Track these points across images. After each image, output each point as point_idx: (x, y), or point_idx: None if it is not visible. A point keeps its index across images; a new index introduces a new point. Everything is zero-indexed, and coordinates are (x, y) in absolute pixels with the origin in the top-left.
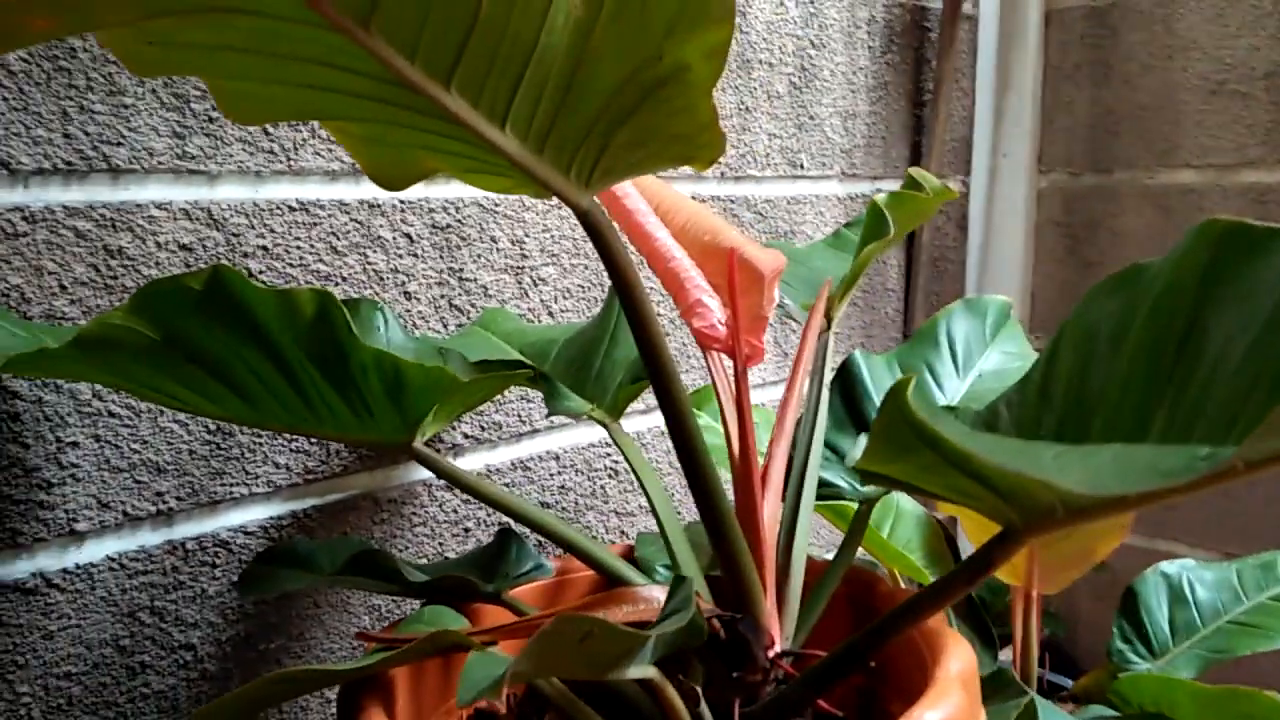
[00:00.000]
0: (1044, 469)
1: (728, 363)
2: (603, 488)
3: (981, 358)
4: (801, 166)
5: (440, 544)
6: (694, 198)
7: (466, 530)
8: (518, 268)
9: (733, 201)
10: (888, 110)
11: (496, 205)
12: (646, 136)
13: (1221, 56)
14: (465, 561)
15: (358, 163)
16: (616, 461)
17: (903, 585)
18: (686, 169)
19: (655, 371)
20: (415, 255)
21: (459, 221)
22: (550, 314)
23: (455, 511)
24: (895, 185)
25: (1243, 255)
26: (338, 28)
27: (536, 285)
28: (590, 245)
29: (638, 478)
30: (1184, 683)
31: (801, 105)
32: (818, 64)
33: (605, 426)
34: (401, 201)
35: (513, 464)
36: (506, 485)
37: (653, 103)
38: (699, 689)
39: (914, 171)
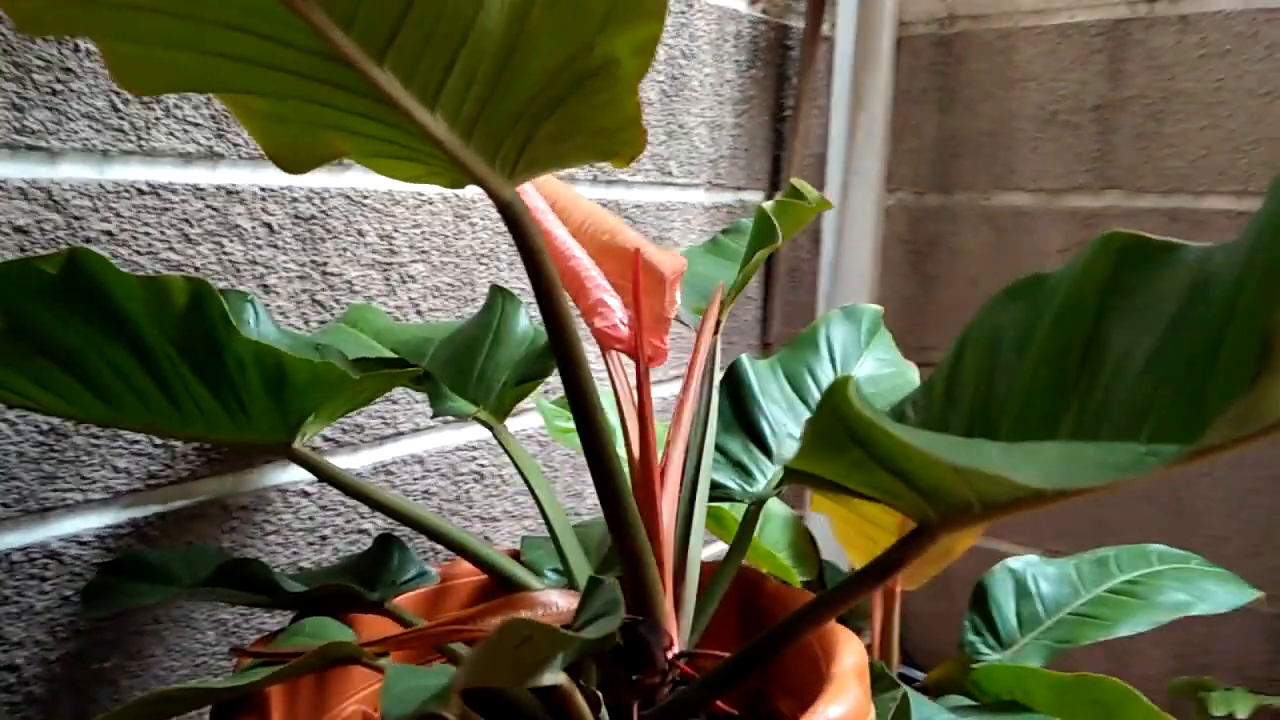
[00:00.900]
0: (994, 464)
1: (627, 363)
2: (468, 492)
3: (857, 363)
4: (671, 174)
5: (295, 552)
6: None
7: (323, 538)
8: (385, 263)
9: (604, 205)
10: (751, 123)
11: (364, 197)
12: (572, 129)
13: (1055, 88)
14: (343, 569)
15: (256, 140)
16: (483, 465)
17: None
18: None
19: (569, 369)
20: (276, 246)
21: (324, 213)
22: (418, 312)
23: (311, 518)
24: (757, 196)
25: (1140, 267)
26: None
27: (405, 282)
28: (462, 243)
29: (526, 480)
30: (1038, 671)
31: (671, 113)
32: (688, 74)
33: (490, 428)
34: (262, 189)
35: (374, 468)
36: None
37: (580, 94)
38: (599, 693)
39: (796, 182)
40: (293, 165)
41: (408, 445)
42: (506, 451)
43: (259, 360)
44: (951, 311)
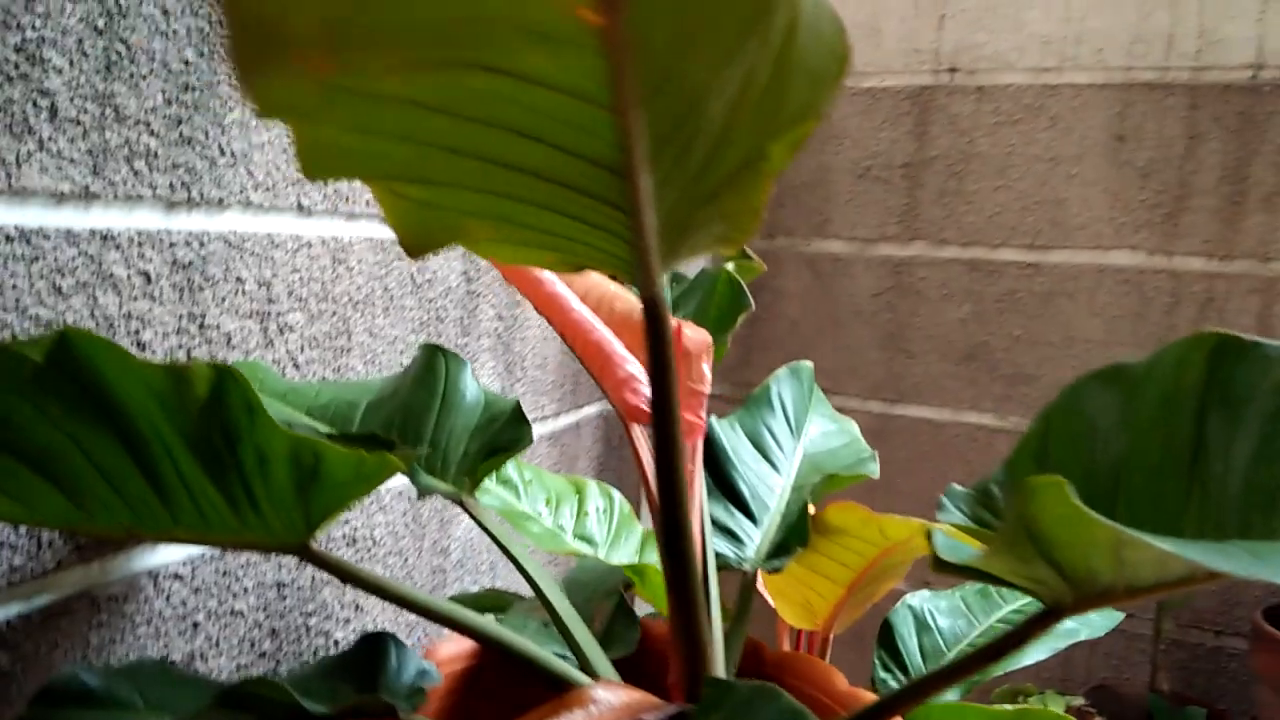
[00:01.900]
0: (1213, 560)
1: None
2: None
3: (807, 420)
4: None
5: (166, 644)
6: None
7: (195, 625)
8: (263, 313)
9: None
10: None
11: (244, 241)
12: (713, 218)
13: (868, 146)
14: (338, 671)
15: (389, 220)
16: (355, 529)
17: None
18: None
19: (668, 463)
20: (152, 297)
21: (202, 259)
22: (295, 365)
23: (184, 603)
24: None
25: (1232, 365)
26: (617, 109)
27: (282, 333)
28: (339, 289)
29: (503, 548)
30: (978, 708)
31: None
32: None
33: (459, 503)
34: (138, 233)
35: None
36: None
37: (734, 187)
38: None
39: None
40: (421, 249)
41: None
42: (481, 525)
43: (294, 454)
44: (774, 348)
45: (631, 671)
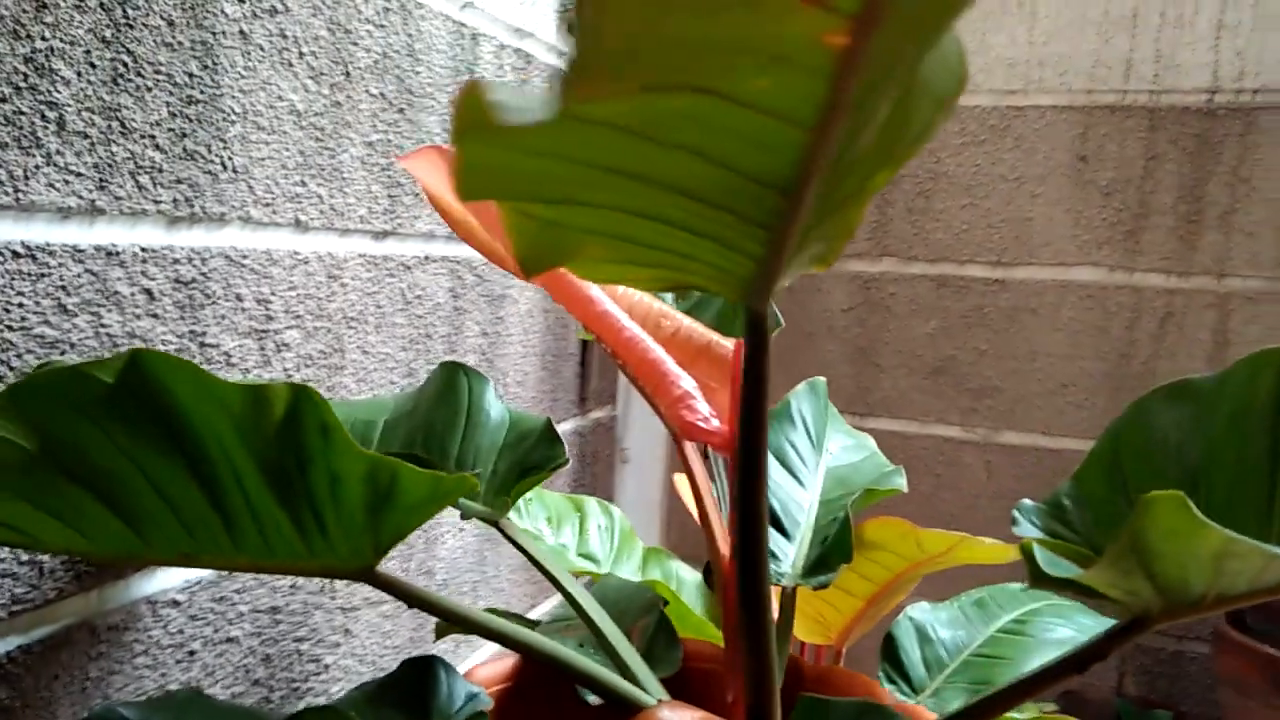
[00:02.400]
0: None
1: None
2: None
3: (828, 435)
4: None
5: (163, 674)
6: (426, 258)
7: (191, 653)
8: (261, 331)
9: (457, 263)
10: None
11: (244, 257)
12: (821, 238)
13: None
14: (378, 698)
15: (509, 238)
16: None
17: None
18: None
19: (751, 484)
20: (155, 315)
21: (204, 275)
22: None
23: (180, 631)
24: None
25: None
26: (817, 128)
27: (279, 351)
28: (334, 305)
29: (541, 567)
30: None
31: None
32: None
33: (494, 524)
34: (142, 249)
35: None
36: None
37: (845, 205)
38: None
39: None
40: (536, 269)
41: None
42: (517, 546)
43: (370, 475)
44: None
45: (675, 692)
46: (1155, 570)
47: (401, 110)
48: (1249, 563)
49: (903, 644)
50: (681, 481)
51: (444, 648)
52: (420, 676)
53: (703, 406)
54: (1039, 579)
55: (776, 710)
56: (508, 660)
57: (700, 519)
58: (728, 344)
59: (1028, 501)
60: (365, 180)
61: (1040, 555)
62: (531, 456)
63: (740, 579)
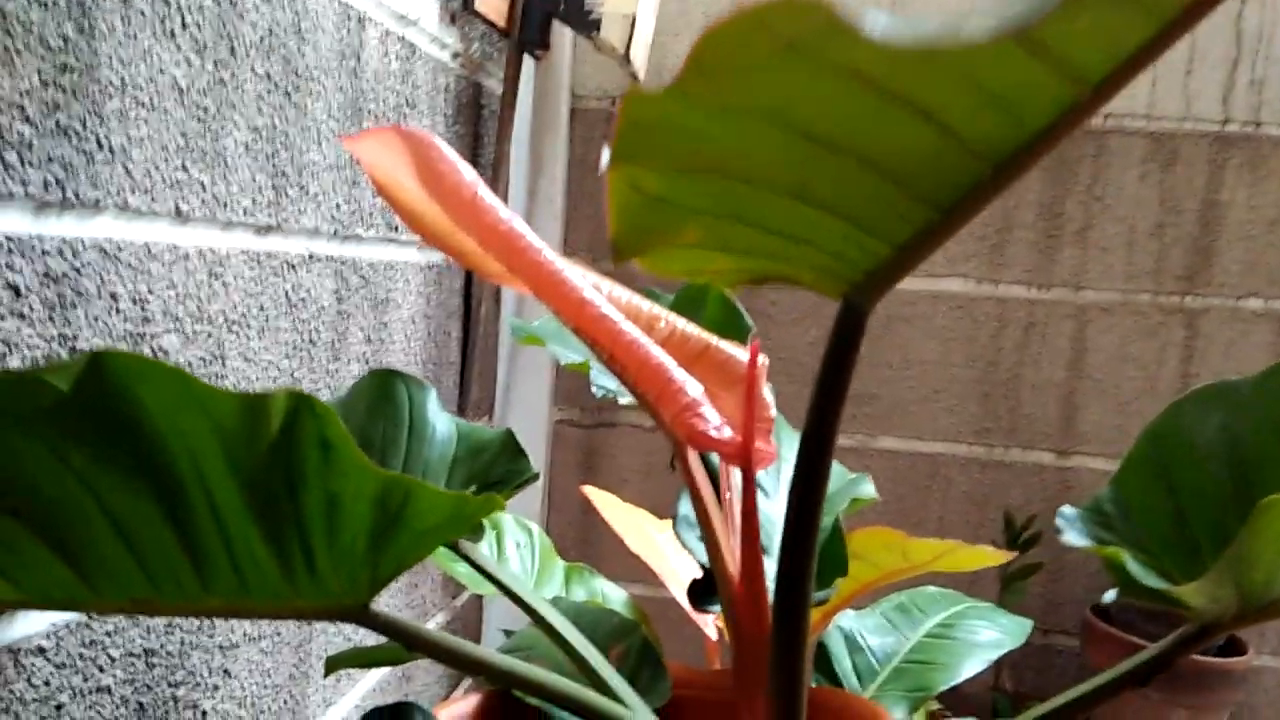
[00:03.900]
0: None
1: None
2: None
3: (783, 444)
4: (396, 229)
5: None
6: (311, 256)
7: (59, 708)
8: (138, 334)
9: (342, 264)
10: None
11: (119, 250)
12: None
13: None
14: None
15: (611, 214)
16: None
17: None
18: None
19: (810, 498)
20: (20, 315)
21: (76, 270)
22: None
23: (47, 683)
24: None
25: None
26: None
27: (157, 357)
28: (214, 308)
29: (507, 590)
30: None
31: None
32: (411, 123)
33: (450, 546)
34: (8, 238)
35: None
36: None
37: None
38: None
39: None
40: (631, 251)
41: None
42: (477, 568)
43: (381, 496)
44: None
45: None
46: (1246, 579)
47: (288, 94)
48: None
49: (834, 652)
50: (597, 495)
51: (329, 681)
52: None
53: (712, 414)
54: (1129, 588)
55: None
56: (471, 700)
57: (705, 537)
58: (726, 347)
59: (1069, 509)
60: (249, 169)
61: (1132, 566)
62: (493, 471)
63: (780, 604)
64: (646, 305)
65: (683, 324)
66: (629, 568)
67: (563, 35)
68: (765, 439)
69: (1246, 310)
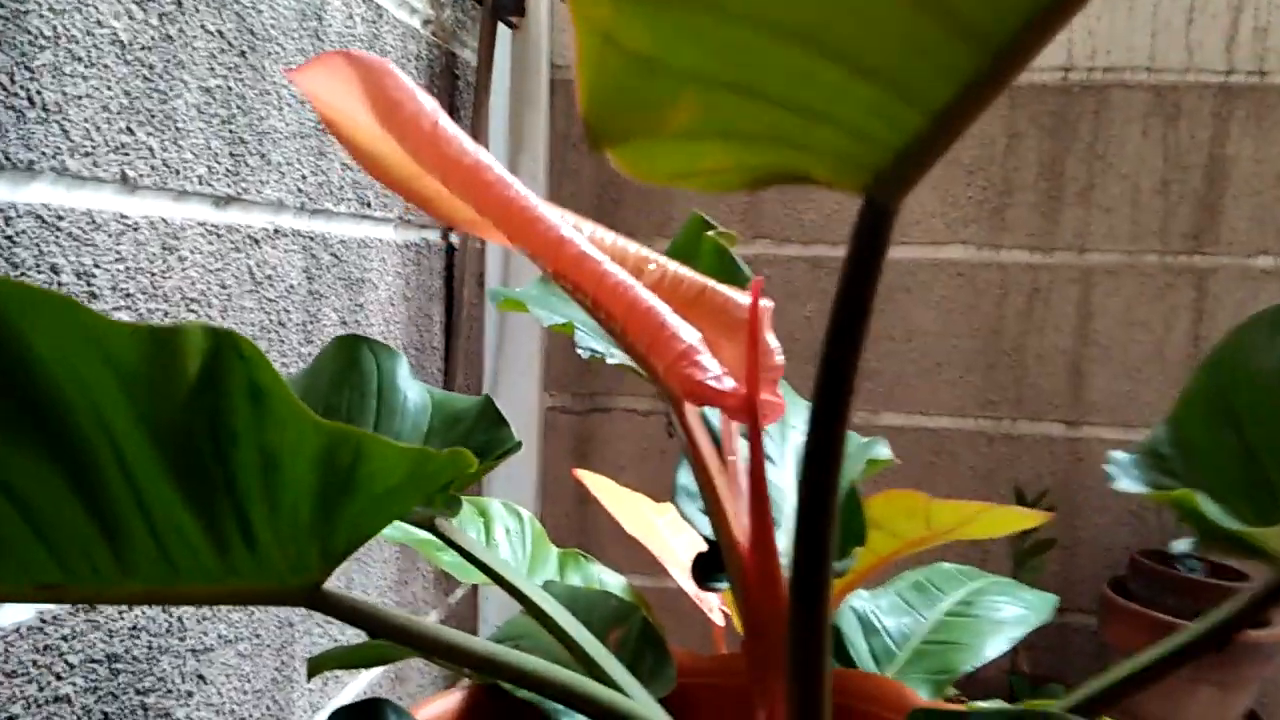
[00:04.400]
0: None
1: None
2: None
3: (789, 411)
4: (369, 205)
5: None
6: (276, 231)
7: (12, 719)
8: None
9: (312, 239)
10: None
11: (59, 219)
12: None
13: None
14: None
15: (583, 79)
16: None
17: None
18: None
19: (827, 454)
20: None
21: (10, 240)
22: None
23: None
24: (435, 235)
25: None
26: None
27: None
28: (170, 283)
29: (495, 575)
30: (983, 710)
31: None
32: None
33: (428, 525)
34: None
35: None
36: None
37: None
38: None
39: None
40: (607, 132)
41: None
42: (460, 550)
43: (327, 454)
44: None
45: (677, 715)
46: None
47: (243, 54)
48: None
49: (849, 637)
50: (591, 479)
51: (314, 685)
52: None
53: (711, 363)
54: (1212, 535)
55: None
56: (453, 696)
57: (709, 507)
58: (723, 290)
59: (1119, 454)
60: (203, 133)
61: (1208, 508)
62: (471, 441)
63: (799, 570)
64: (634, 247)
65: (674, 266)
66: (627, 558)
67: (539, 2)
68: (771, 390)
69: (1256, 268)
